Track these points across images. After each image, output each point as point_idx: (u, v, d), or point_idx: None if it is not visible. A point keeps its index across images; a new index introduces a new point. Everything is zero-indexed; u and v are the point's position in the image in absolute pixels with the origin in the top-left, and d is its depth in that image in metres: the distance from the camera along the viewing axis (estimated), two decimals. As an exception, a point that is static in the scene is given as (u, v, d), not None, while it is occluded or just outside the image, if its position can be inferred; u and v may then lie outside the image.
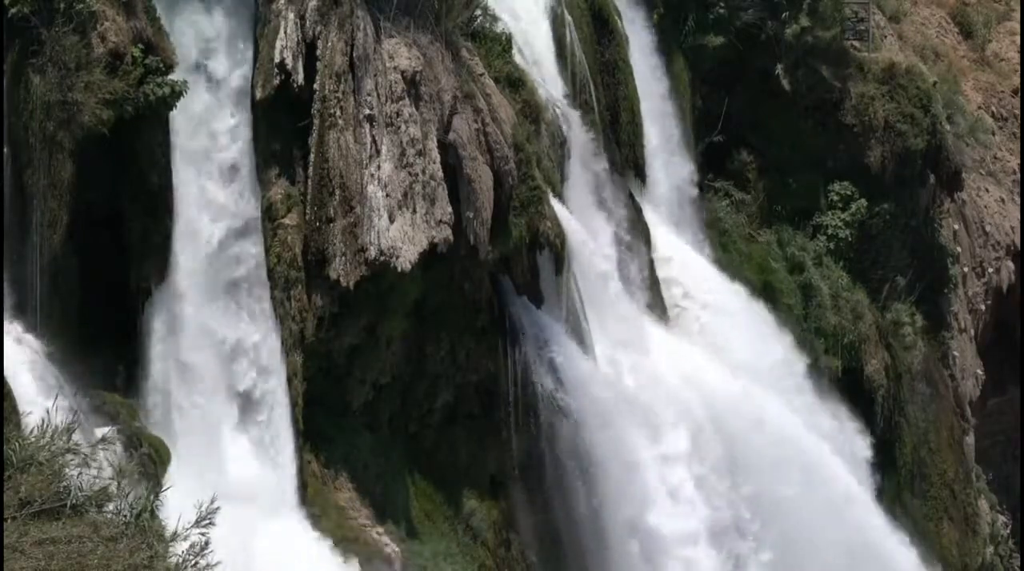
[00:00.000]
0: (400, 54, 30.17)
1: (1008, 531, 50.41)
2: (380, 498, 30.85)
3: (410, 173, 29.81)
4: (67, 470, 14.85)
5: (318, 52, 29.25)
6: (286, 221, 29.21)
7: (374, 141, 29.55)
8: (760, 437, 36.67)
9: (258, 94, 28.63)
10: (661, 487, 34.65)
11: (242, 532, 25.41)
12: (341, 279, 29.09)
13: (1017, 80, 54.30)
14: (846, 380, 42.81)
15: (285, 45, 28.75)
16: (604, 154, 36.80)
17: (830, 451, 38.91)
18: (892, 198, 45.15)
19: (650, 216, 38.35)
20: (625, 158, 38.45)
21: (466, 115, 31.01)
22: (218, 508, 14.49)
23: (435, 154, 30.26)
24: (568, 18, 36.62)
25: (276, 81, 28.73)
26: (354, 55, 29.50)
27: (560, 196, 34.67)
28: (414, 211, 29.78)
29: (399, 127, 29.86)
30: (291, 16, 28.96)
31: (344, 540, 29.28)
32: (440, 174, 30.19)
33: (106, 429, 23.55)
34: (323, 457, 30.13)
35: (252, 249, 28.85)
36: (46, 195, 25.66)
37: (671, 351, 36.88)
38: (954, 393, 48.02)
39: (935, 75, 47.62)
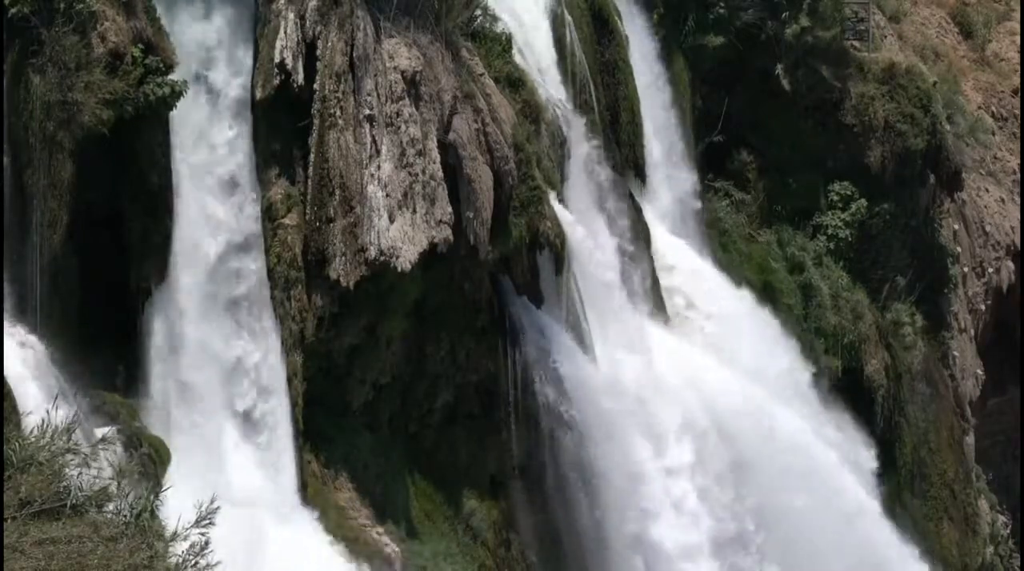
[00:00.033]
0: (400, 54, 30.17)
1: (1008, 531, 50.41)
2: (380, 498, 30.85)
3: (410, 173, 29.81)
4: (67, 470, 14.84)
5: (318, 52, 29.25)
6: (286, 221, 29.20)
7: (374, 141, 29.55)
8: (767, 445, 36.45)
9: (258, 94, 28.62)
10: (665, 499, 34.46)
11: (245, 535, 25.41)
12: (341, 279, 29.08)
13: (1017, 80, 54.30)
14: (846, 380, 42.80)
15: (285, 45, 28.74)
16: (604, 153, 36.76)
17: (838, 460, 38.73)
18: (892, 198, 45.15)
19: (653, 224, 38.23)
20: (625, 158, 38.45)
21: (466, 115, 31.00)
22: (218, 508, 14.49)
23: (435, 154, 30.26)
24: (568, 18, 36.62)
25: (276, 81, 28.72)
26: (354, 55, 29.50)
27: (560, 196, 34.67)
28: (414, 211, 29.78)
29: (399, 127, 29.86)
30: (291, 16, 28.95)
31: (344, 540, 29.28)
32: (440, 174, 30.19)
33: (106, 429, 23.55)
34: (323, 457, 30.13)
35: (252, 265, 28.76)
36: (46, 195, 25.65)
37: (674, 355, 36.75)
38: (954, 393, 48.02)
39: (935, 75, 47.63)
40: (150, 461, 25.47)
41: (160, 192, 27.14)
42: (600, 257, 35.21)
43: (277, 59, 28.65)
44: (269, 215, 29.11)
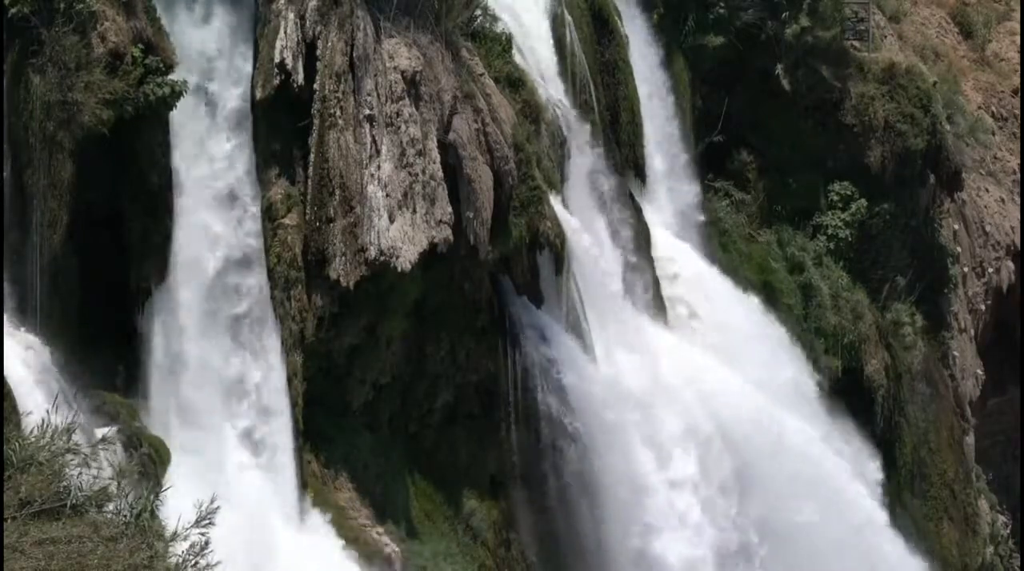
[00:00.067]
0: (400, 54, 30.16)
1: (1008, 531, 50.40)
2: (380, 498, 30.84)
3: (410, 173, 29.81)
4: (67, 470, 14.84)
5: (318, 52, 29.24)
6: (286, 221, 29.19)
7: (374, 141, 29.54)
8: (773, 452, 36.25)
9: (258, 94, 28.61)
10: (669, 512, 34.29)
11: (248, 537, 25.41)
12: (341, 279, 29.07)
13: (1017, 80, 54.30)
14: (846, 380, 42.79)
15: (285, 45, 28.73)
16: (607, 162, 36.72)
17: (846, 469, 38.57)
18: (892, 198, 45.14)
19: (654, 225, 38.19)
20: (625, 158, 38.45)
21: (466, 115, 31.00)
22: (218, 508, 14.48)
23: (435, 154, 30.26)
24: (568, 18, 36.62)
25: (276, 81, 28.71)
26: (354, 55, 29.50)
27: (561, 196, 34.67)
28: (414, 211, 29.78)
29: (399, 127, 29.85)
30: (291, 16, 28.95)
31: (343, 540, 29.27)
32: (440, 174, 30.19)
33: (106, 429, 23.53)
34: (323, 457, 30.12)
35: (252, 281, 28.70)
36: (46, 195, 25.65)
37: (674, 354, 36.66)
38: (954, 393, 48.02)
39: (935, 75, 47.62)
40: (150, 461, 25.46)
41: (160, 192, 27.15)
42: (603, 263, 35.15)
43: (277, 59, 28.64)
44: (269, 215, 29.10)
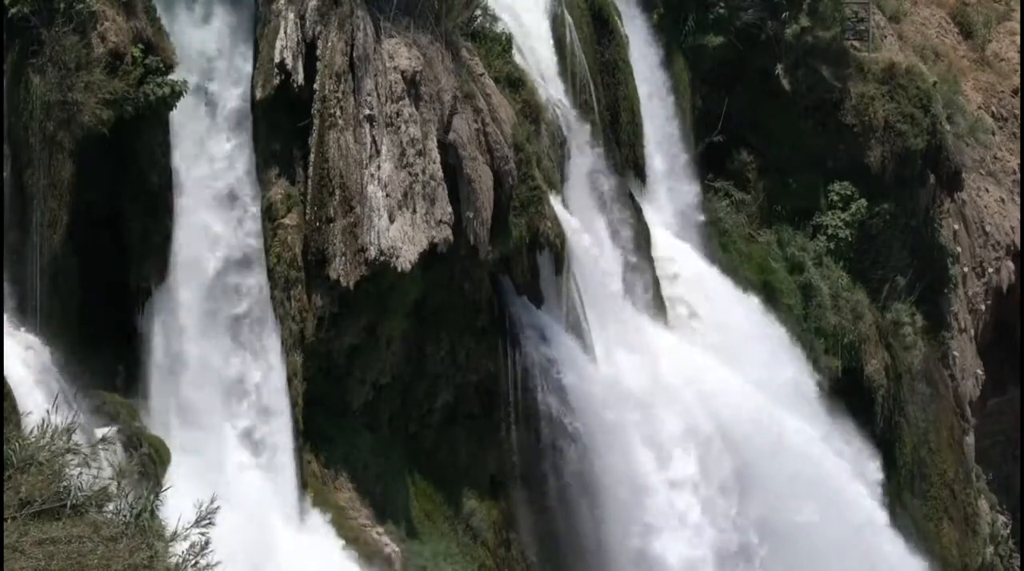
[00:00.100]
0: (400, 54, 30.16)
1: (1008, 531, 50.40)
2: (380, 498, 30.84)
3: (410, 173, 29.81)
4: (67, 470, 14.84)
5: (318, 52, 29.24)
6: (286, 221, 29.19)
7: (374, 141, 29.54)
8: (774, 452, 36.24)
9: (258, 94, 28.60)
10: (670, 513, 34.27)
11: (248, 537, 25.40)
12: (341, 279, 29.07)
13: (1017, 80, 54.30)
14: (846, 380, 42.78)
15: (285, 45, 28.73)
16: (607, 162, 36.71)
17: (846, 470, 38.55)
18: (892, 198, 45.14)
19: (654, 225, 38.19)
20: (625, 158, 38.45)
21: (466, 115, 31.00)
22: (218, 508, 14.48)
23: (435, 154, 30.25)
24: (568, 18, 36.61)
25: (276, 81, 28.70)
26: (354, 55, 29.49)
27: (561, 196, 34.66)
28: (414, 211, 29.78)
29: (399, 127, 29.85)
30: (291, 16, 28.95)
31: (344, 540, 29.28)
32: (440, 174, 30.19)
33: (106, 429, 23.53)
34: (323, 457, 30.12)
35: (252, 281, 28.70)
36: (46, 195, 25.65)
37: (674, 354, 36.65)
38: (954, 393, 48.02)
39: (935, 75, 47.62)
40: (150, 461, 25.46)
41: (160, 192, 27.15)
42: (603, 263, 35.13)
43: (277, 59, 28.64)
44: (269, 215, 29.10)
